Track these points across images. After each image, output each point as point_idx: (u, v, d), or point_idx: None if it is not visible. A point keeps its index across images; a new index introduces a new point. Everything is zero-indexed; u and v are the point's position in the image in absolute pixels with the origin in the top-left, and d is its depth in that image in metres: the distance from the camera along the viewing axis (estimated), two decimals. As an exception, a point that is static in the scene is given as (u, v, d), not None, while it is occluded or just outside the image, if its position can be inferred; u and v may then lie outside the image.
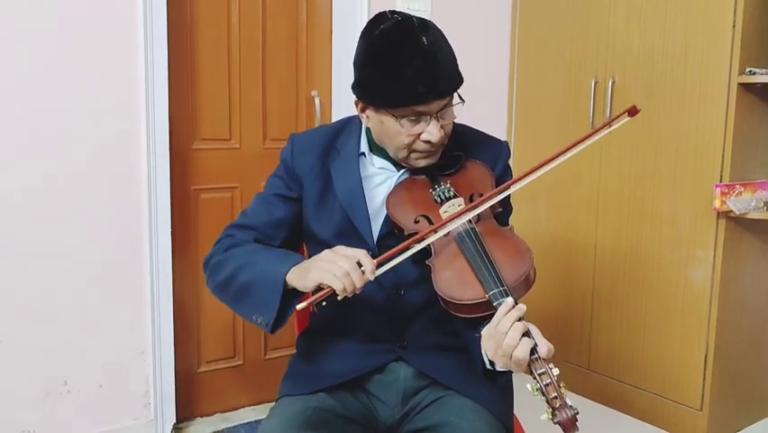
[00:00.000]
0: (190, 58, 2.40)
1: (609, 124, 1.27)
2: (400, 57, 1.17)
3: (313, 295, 1.12)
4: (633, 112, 1.27)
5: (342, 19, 2.67)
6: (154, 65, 2.19)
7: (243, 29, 2.50)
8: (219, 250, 1.33)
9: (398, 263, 1.15)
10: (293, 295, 1.18)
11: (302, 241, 1.42)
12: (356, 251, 1.13)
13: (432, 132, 1.21)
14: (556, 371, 0.99)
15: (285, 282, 1.17)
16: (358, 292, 1.11)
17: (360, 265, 1.11)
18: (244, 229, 1.34)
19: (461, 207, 1.23)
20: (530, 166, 1.23)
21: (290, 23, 2.62)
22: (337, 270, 1.09)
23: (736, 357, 2.46)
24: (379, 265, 1.13)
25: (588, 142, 1.24)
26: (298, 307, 1.13)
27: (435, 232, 1.18)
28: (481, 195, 1.24)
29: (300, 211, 1.35)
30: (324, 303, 1.11)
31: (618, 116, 1.27)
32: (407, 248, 1.16)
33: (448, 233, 1.21)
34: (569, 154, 1.23)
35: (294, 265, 1.18)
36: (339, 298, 1.11)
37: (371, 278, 1.11)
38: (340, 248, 1.14)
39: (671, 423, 2.50)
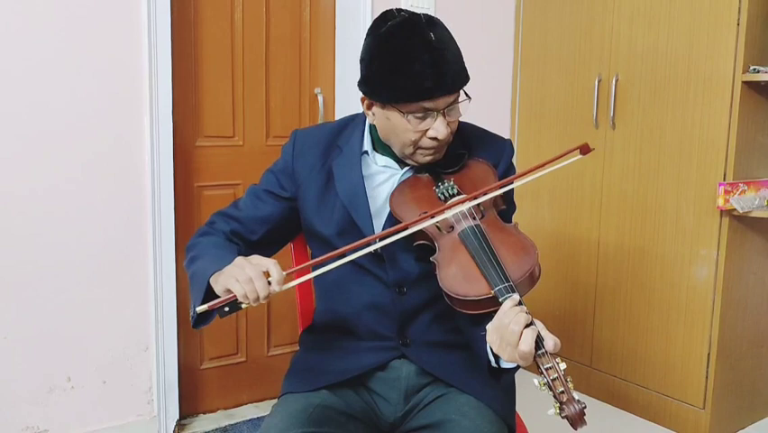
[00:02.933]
0: (194, 55, 2.40)
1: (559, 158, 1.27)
2: (408, 52, 1.17)
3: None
4: (585, 150, 1.27)
5: (346, 16, 2.67)
6: (158, 62, 2.19)
7: (247, 26, 2.51)
8: (197, 234, 1.35)
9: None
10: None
11: (290, 237, 1.44)
12: (267, 260, 1.11)
13: (438, 128, 1.21)
14: (563, 365, 0.98)
15: (210, 283, 1.15)
16: (263, 302, 1.09)
17: (268, 275, 1.09)
18: (227, 219, 1.35)
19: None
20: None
21: (294, 20, 2.62)
22: (241, 275, 1.08)
23: (739, 356, 2.46)
24: (300, 276, 1.11)
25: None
26: (198, 309, 1.11)
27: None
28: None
29: (289, 210, 1.36)
30: (226, 309, 1.09)
31: (570, 151, 1.27)
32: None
33: (453, 228, 1.21)
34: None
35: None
36: (243, 305, 1.09)
37: (278, 289, 1.09)
38: (253, 257, 1.13)
39: (673, 421, 2.50)
